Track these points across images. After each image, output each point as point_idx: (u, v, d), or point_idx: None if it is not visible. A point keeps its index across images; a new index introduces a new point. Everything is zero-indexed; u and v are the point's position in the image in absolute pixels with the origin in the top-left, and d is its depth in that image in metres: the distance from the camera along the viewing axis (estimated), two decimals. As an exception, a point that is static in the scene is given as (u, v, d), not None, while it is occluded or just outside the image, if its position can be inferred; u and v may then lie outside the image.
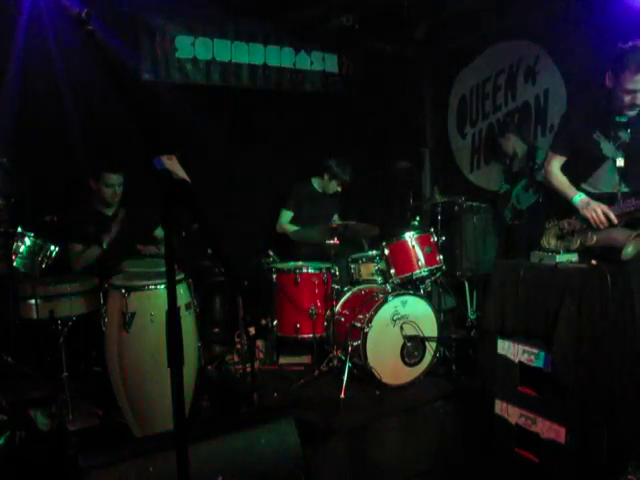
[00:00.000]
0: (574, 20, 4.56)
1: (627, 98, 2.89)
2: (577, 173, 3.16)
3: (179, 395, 1.38)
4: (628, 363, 2.69)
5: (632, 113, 2.95)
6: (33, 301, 3.29)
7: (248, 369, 3.78)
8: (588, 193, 3.08)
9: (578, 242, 3.02)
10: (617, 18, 4.10)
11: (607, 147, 3.05)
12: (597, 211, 2.95)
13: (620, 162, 2.99)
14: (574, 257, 2.90)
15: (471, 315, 5.11)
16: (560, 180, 3.18)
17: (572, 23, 4.59)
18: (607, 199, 3.01)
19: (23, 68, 4.05)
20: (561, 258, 2.86)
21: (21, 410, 3.22)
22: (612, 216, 2.93)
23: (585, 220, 3.00)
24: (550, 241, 3.13)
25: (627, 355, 2.69)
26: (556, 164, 3.21)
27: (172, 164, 1.35)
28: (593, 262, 2.79)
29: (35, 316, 3.30)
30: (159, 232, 4.39)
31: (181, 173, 1.38)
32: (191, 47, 4.97)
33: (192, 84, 4.99)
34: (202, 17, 4.99)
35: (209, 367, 4.10)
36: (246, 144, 5.23)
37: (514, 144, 4.95)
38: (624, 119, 2.99)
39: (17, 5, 3.87)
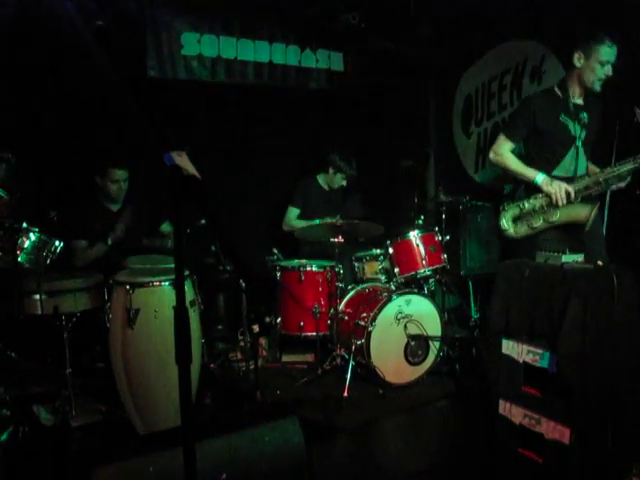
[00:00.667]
0: (579, 20, 4.54)
1: (602, 72, 3.21)
2: (547, 159, 3.37)
3: (186, 392, 1.38)
4: (634, 364, 2.68)
5: (599, 89, 3.27)
6: (37, 296, 3.30)
7: (251, 367, 3.79)
8: (558, 178, 3.31)
9: (541, 220, 3.30)
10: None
11: (575, 128, 3.31)
12: (561, 187, 3.23)
13: (580, 142, 3.31)
14: (580, 257, 2.89)
15: (475, 314, 5.10)
16: (516, 162, 3.40)
17: (577, 23, 4.58)
18: (568, 181, 3.29)
19: (28, 62, 4.05)
20: (567, 258, 2.85)
21: (24, 405, 3.23)
22: (572, 193, 3.22)
23: (546, 198, 3.26)
24: (509, 222, 3.37)
25: (633, 356, 2.68)
26: (508, 147, 3.42)
27: (182, 160, 1.34)
28: (599, 263, 2.78)
29: (39, 312, 3.31)
30: (165, 227, 4.40)
31: (191, 169, 1.38)
32: (197, 44, 4.96)
33: (198, 81, 4.99)
34: (208, 14, 4.98)
35: (212, 364, 4.10)
36: (251, 141, 5.23)
37: None
38: (580, 102, 3.34)
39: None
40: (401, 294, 4.04)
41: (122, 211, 4.05)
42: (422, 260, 4.30)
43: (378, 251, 4.56)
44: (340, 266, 4.35)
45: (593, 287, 2.60)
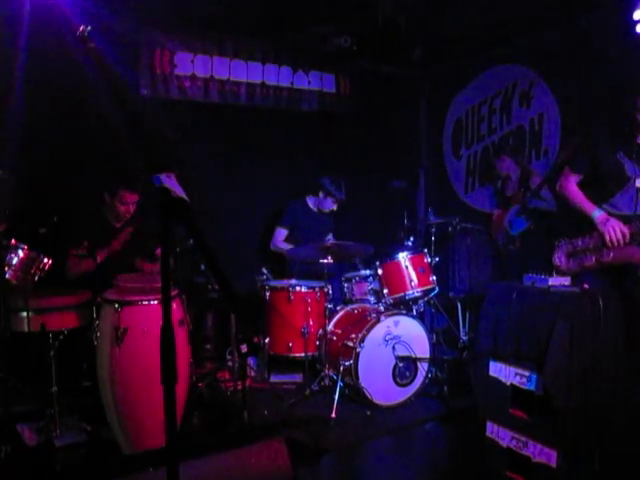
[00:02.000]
0: (568, 46, 4.64)
1: None
2: (599, 194, 3.25)
3: (171, 412, 1.38)
4: (620, 387, 2.70)
5: None
6: (25, 314, 3.26)
7: (239, 387, 3.76)
8: (609, 213, 3.17)
9: (594, 259, 3.12)
10: (613, 43, 4.19)
11: (631, 168, 3.16)
12: (615, 228, 3.06)
13: (639, 183, 3.12)
14: (566, 281, 2.92)
15: (463, 336, 5.10)
16: (578, 195, 3.28)
17: (566, 49, 4.68)
18: (624, 220, 3.12)
19: (25, 82, 4.07)
20: (553, 282, 2.88)
21: (8, 424, 3.18)
22: (628, 234, 3.05)
23: (601, 237, 3.10)
24: (562, 258, 3.20)
25: (619, 378, 2.70)
26: (573, 180, 3.31)
27: (171, 181, 1.36)
28: (585, 286, 2.81)
29: (26, 329, 3.27)
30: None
31: (179, 191, 1.39)
32: (190, 64, 5.01)
33: (190, 101, 5.02)
34: (202, 34, 5.04)
35: (200, 384, 4.07)
36: (242, 162, 5.25)
37: (508, 167, 4.95)
38: None
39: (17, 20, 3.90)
40: (390, 315, 4.04)
41: (123, 228, 4.05)
42: (411, 282, 4.31)
43: (367, 272, 4.57)
44: (329, 286, 4.36)
45: (579, 310, 2.63)
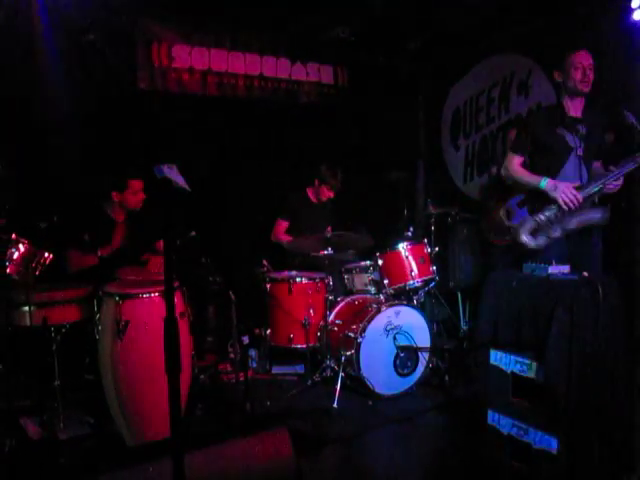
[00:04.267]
0: (566, 34, 4.63)
1: (578, 73, 3.32)
2: (549, 168, 3.44)
3: (176, 401, 1.39)
4: (619, 374, 2.71)
5: (586, 90, 3.34)
6: (27, 308, 3.28)
7: (241, 378, 3.78)
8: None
9: (559, 229, 3.31)
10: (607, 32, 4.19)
11: (571, 139, 3.39)
12: (566, 191, 3.25)
13: (580, 152, 3.37)
14: (566, 269, 2.93)
15: (464, 326, 5.12)
16: (523, 172, 3.50)
17: (563, 37, 4.66)
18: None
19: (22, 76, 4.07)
20: (552, 270, 2.89)
21: (12, 418, 3.20)
22: (579, 196, 3.23)
23: (558, 207, 3.28)
24: (528, 237, 3.36)
25: (618, 366, 2.71)
26: (517, 162, 3.53)
27: (172, 173, 1.36)
28: (585, 274, 2.82)
29: (28, 323, 3.29)
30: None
31: (181, 182, 1.39)
32: (188, 56, 5.00)
33: (188, 93, 5.01)
34: (199, 27, 5.02)
35: (202, 376, 4.09)
36: (242, 154, 5.25)
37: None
38: (576, 115, 3.43)
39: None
40: (390, 305, 4.06)
41: (126, 222, 4.07)
42: (411, 272, 4.32)
43: (368, 262, 4.58)
44: (330, 278, 4.37)
45: (578, 298, 2.64)
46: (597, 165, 3.54)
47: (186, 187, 1.40)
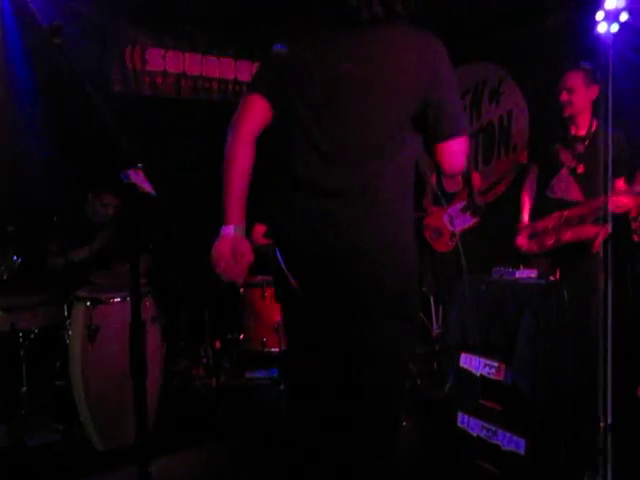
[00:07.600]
0: (535, 43, 4.72)
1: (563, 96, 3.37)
2: (542, 182, 3.52)
3: (142, 405, 1.39)
4: (584, 376, 2.77)
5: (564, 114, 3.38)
6: (-7, 313, 3.23)
7: (214, 383, 3.77)
8: (548, 199, 3.44)
9: (553, 238, 3.34)
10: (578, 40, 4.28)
11: (565, 156, 3.40)
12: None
13: (579, 170, 3.37)
14: (533, 273, 2.99)
15: (436, 329, 5.16)
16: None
17: (533, 46, 4.75)
18: (563, 205, 3.36)
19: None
20: (520, 274, 2.95)
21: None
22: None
23: (559, 217, 3.33)
24: (524, 240, 3.45)
25: (584, 369, 2.77)
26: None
27: (138, 177, 1.36)
28: (551, 278, 2.88)
29: (-5, 329, 3.24)
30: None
31: (147, 186, 1.39)
32: (162, 60, 4.97)
33: (162, 97, 4.98)
34: (173, 30, 5.00)
35: (174, 381, 4.06)
36: (215, 158, 5.21)
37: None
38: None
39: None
40: (363, 309, 4.06)
41: (105, 225, 4.01)
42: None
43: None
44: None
45: (544, 302, 2.69)
46: None
47: (152, 192, 1.40)
